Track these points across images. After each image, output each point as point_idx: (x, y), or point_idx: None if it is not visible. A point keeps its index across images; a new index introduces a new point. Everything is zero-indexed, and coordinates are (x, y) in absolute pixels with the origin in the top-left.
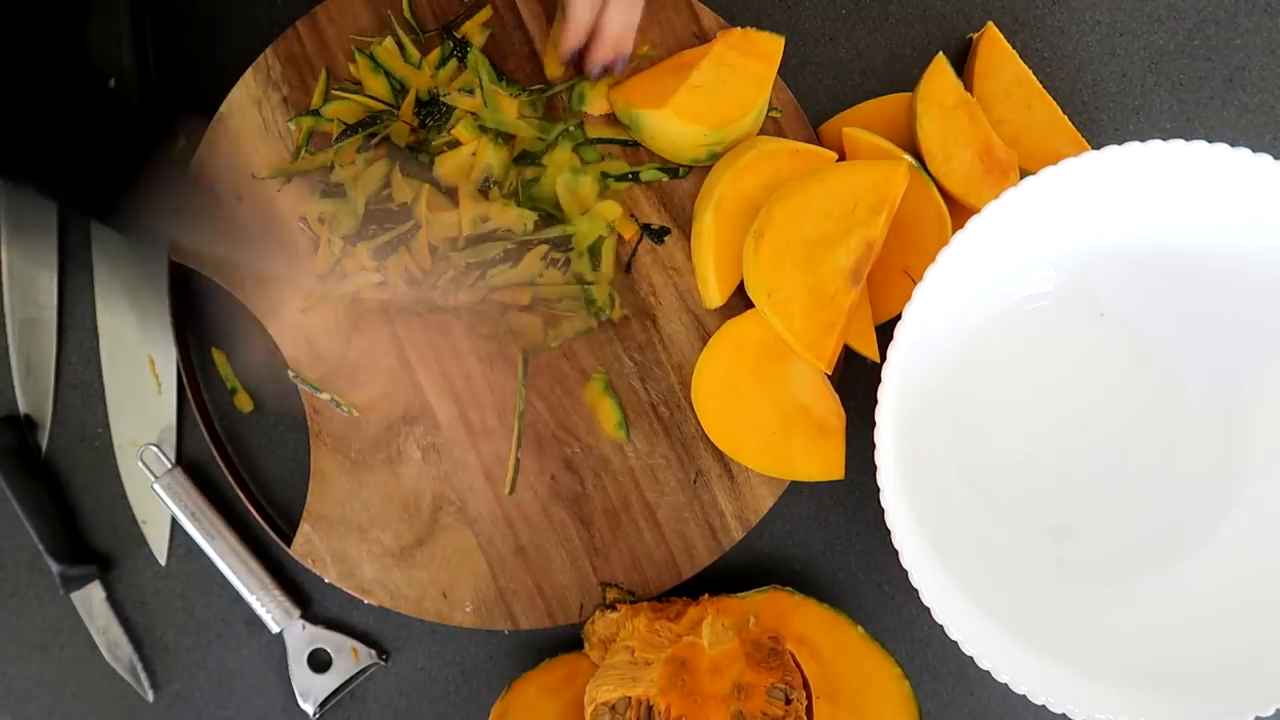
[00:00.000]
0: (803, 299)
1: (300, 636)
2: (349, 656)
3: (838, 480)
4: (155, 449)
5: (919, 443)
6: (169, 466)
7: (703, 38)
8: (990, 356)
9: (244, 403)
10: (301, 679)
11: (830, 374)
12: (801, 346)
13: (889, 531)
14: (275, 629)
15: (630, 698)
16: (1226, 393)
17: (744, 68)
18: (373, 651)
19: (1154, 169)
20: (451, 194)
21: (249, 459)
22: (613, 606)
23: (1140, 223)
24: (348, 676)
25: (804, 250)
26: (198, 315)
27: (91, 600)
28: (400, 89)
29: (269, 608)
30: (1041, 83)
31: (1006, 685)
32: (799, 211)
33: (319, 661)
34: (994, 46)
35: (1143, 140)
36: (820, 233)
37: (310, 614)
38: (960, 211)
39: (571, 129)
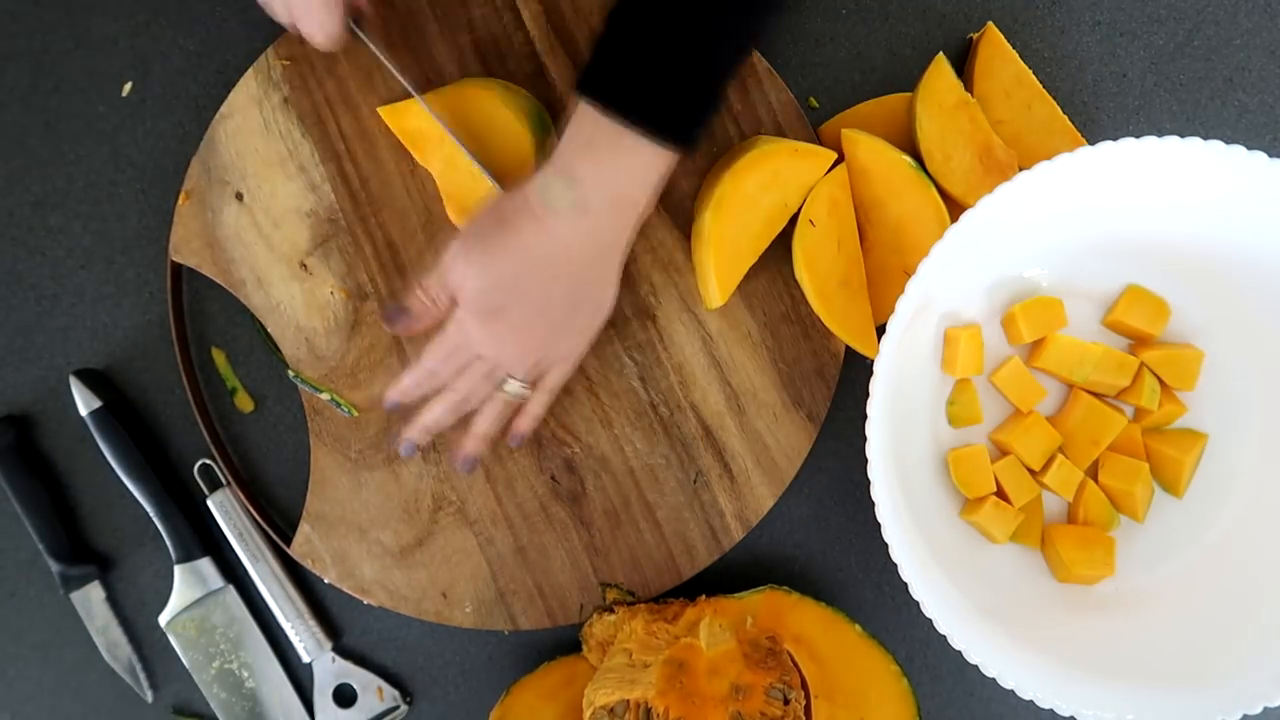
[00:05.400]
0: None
1: (329, 669)
2: (374, 696)
3: (837, 480)
4: (211, 464)
5: (913, 438)
6: (224, 484)
7: None
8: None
9: (244, 403)
10: (325, 712)
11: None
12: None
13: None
14: (306, 659)
15: (628, 700)
16: (1218, 389)
17: None
18: (397, 694)
19: (1149, 165)
20: None
21: (249, 459)
22: (610, 609)
23: (1134, 219)
24: (369, 717)
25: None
26: (198, 315)
27: (91, 600)
28: None
29: (303, 637)
30: (1041, 83)
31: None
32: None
33: (343, 696)
34: (994, 46)
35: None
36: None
37: (339, 647)
38: (960, 212)
39: None
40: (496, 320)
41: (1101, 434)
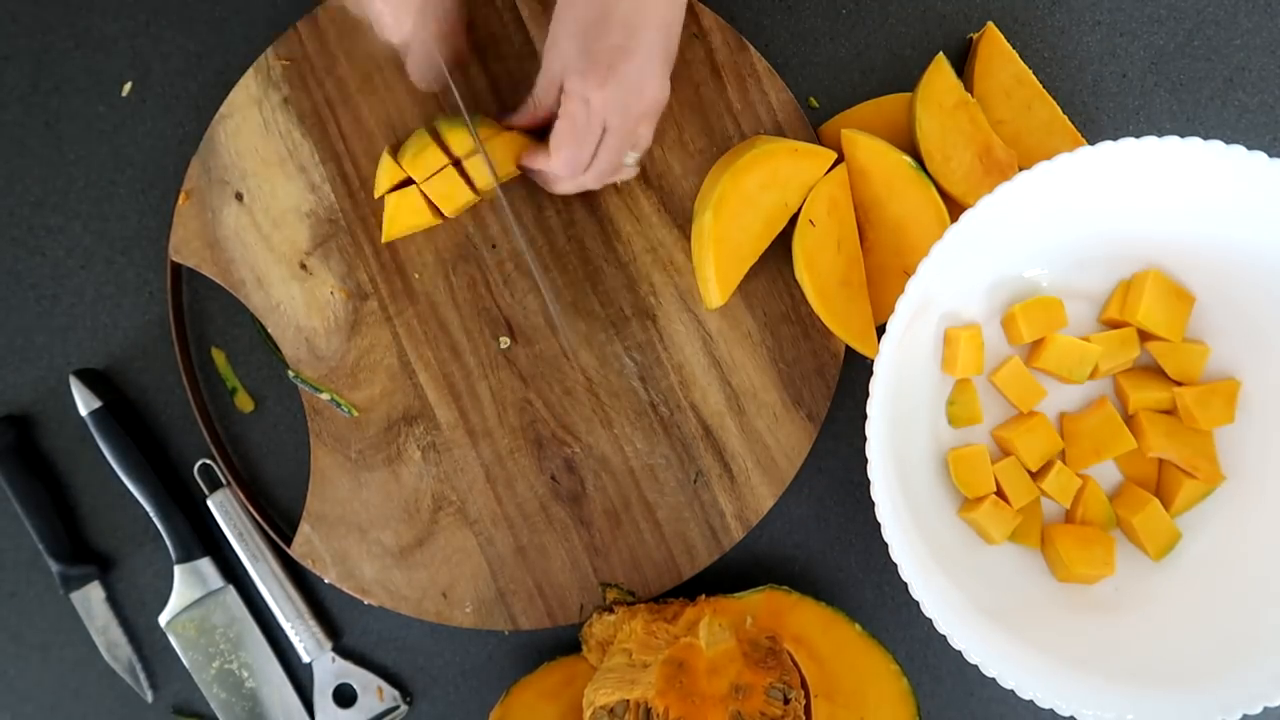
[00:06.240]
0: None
1: (329, 669)
2: (374, 696)
3: (837, 480)
4: (211, 464)
5: (913, 438)
6: (224, 484)
7: (702, 36)
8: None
9: (244, 403)
10: (325, 712)
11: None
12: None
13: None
14: (306, 659)
15: (628, 700)
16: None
17: None
18: (397, 694)
19: (1149, 165)
20: None
21: (249, 459)
22: (610, 609)
23: (1134, 219)
24: (370, 716)
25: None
26: (198, 315)
27: (91, 600)
28: None
29: (303, 637)
30: (1041, 83)
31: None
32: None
33: (343, 696)
34: (994, 46)
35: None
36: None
37: (339, 647)
38: (960, 212)
39: None
40: (612, 75)
41: (1106, 446)
